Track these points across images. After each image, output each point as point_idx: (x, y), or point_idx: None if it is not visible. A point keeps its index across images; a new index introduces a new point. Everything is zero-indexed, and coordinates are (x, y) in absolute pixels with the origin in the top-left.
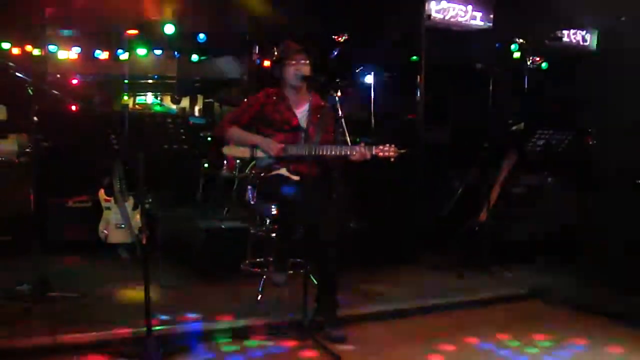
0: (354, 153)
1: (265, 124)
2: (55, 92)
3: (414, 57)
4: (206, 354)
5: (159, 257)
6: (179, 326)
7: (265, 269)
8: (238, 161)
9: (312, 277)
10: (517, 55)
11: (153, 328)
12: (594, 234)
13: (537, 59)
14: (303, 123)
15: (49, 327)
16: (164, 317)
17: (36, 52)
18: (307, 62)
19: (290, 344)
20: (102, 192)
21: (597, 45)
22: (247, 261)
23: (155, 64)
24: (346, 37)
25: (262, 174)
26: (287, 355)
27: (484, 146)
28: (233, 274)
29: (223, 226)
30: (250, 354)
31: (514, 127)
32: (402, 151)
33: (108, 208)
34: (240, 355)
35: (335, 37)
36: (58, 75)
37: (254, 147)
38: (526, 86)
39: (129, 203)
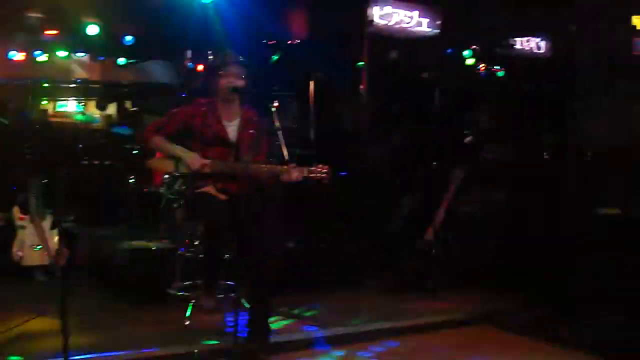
0: (284, 175)
1: (194, 137)
2: None
3: (360, 63)
4: None
5: (79, 281)
6: (100, 357)
7: (194, 293)
8: (166, 176)
9: (243, 300)
10: (470, 62)
11: (70, 357)
12: (546, 255)
13: (495, 67)
14: (233, 138)
15: None
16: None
17: None
18: (242, 73)
19: None
20: (16, 209)
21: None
22: (174, 284)
23: (78, 67)
24: (289, 42)
25: (188, 190)
26: None
27: (431, 162)
28: (160, 298)
29: (149, 246)
30: None
31: (465, 140)
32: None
33: (22, 227)
34: None
35: (276, 42)
36: None
37: (178, 160)
38: (478, 95)
39: (47, 222)
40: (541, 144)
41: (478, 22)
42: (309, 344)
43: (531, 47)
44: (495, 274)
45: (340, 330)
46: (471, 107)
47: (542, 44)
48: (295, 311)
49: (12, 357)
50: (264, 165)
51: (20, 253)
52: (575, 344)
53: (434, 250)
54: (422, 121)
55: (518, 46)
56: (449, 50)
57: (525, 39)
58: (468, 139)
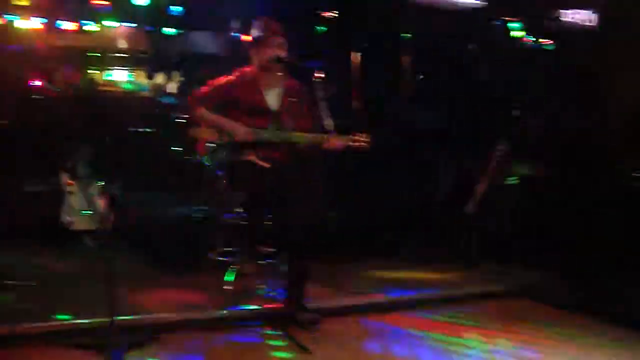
0: (326, 143)
1: (235, 106)
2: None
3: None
4: (173, 345)
5: (125, 245)
6: (145, 317)
7: (235, 259)
8: (211, 145)
9: (282, 266)
10: (518, 34)
11: (117, 318)
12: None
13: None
14: (275, 107)
15: (5, 316)
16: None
17: None
18: (284, 43)
19: (260, 335)
20: (64, 175)
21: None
22: (216, 250)
23: (126, 37)
24: (334, 15)
25: (231, 159)
26: (256, 346)
27: (475, 134)
28: (202, 264)
29: (192, 213)
30: (218, 345)
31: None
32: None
33: (71, 193)
34: (207, 347)
35: (322, 14)
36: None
37: (221, 130)
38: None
39: (94, 187)
40: (585, 117)
41: None
42: (345, 311)
43: (581, 19)
44: (535, 248)
45: (377, 299)
46: (517, 81)
47: (593, 16)
48: (333, 278)
49: (61, 316)
50: (306, 134)
51: (69, 218)
52: (616, 320)
53: (474, 223)
54: (467, 94)
55: (568, 18)
56: (496, 22)
57: (575, 10)
58: (514, 112)
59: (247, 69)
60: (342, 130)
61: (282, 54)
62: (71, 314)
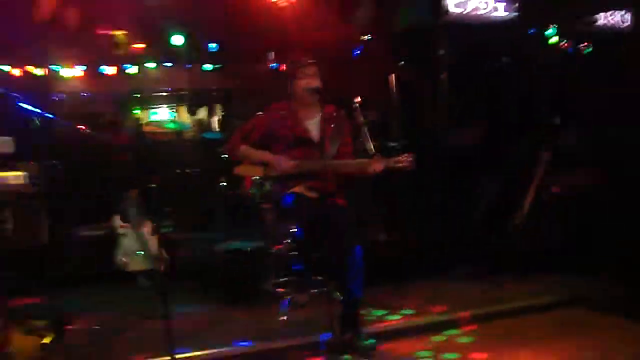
0: (369, 167)
1: (276, 140)
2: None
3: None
4: None
5: (179, 283)
6: (203, 353)
7: (288, 289)
8: (256, 178)
9: (335, 294)
10: (554, 40)
11: (176, 357)
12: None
13: (581, 44)
14: (315, 136)
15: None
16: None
17: (38, 72)
18: (317, 73)
19: None
20: (117, 218)
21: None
22: (269, 282)
23: (166, 76)
24: (369, 37)
25: (279, 192)
26: None
27: (516, 147)
28: (255, 296)
29: (244, 247)
30: None
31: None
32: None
33: (124, 235)
34: None
35: (358, 37)
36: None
37: (266, 165)
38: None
39: (147, 228)
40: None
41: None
42: (401, 333)
43: (616, 21)
44: (584, 257)
45: (431, 318)
46: (557, 89)
47: (627, 16)
48: (386, 301)
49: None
50: (348, 160)
51: (124, 259)
52: None
53: (523, 234)
54: (506, 106)
55: (602, 21)
56: (530, 31)
57: (609, 12)
58: (555, 120)
59: (283, 103)
60: (387, 152)
61: (316, 84)
62: (133, 356)
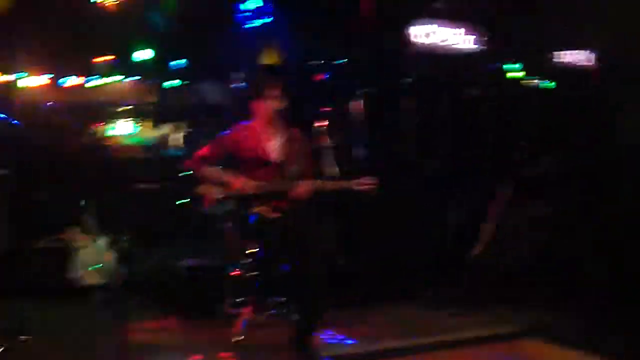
0: (328, 185)
1: (239, 160)
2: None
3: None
4: None
5: (135, 298)
6: None
7: (245, 309)
8: (217, 197)
9: (293, 315)
10: (519, 75)
11: None
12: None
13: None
14: (277, 157)
15: None
16: None
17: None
18: (282, 94)
19: None
20: (75, 230)
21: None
22: (227, 301)
23: (130, 91)
24: (341, 62)
25: (240, 212)
26: None
27: (479, 176)
28: (212, 315)
29: (202, 265)
30: None
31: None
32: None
33: (82, 247)
34: None
35: (324, 61)
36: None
37: (225, 185)
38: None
39: (103, 242)
40: (589, 155)
41: (525, 36)
42: (360, 358)
43: (580, 60)
44: (545, 287)
45: (390, 343)
46: (519, 121)
47: (592, 56)
48: (345, 324)
49: None
50: (309, 181)
51: (79, 272)
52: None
53: (482, 264)
54: (469, 135)
55: (567, 59)
56: (496, 64)
57: (574, 51)
58: (518, 151)
59: (248, 123)
60: (348, 175)
61: (280, 104)
62: None
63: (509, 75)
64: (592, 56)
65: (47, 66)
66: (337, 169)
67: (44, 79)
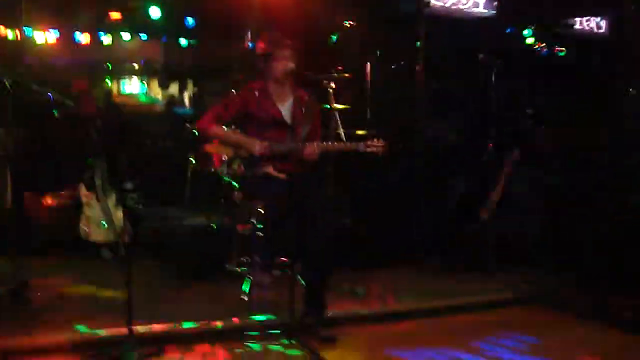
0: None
1: (250, 121)
2: (35, 86)
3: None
4: (189, 355)
5: (142, 256)
6: (161, 326)
7: (251, 269)
8: (225, 157)
9: (299, 277)
10: (530, 41)
11: (134, 329)
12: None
13: (556, 46)
14: (288, 118)
15: (26, 327)
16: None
17: (10, 34)
18: (293, 55)
19: (277, 346)
20: (82, 187)
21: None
22: (232, 261)
23: (141, 49)
24: (349, 23)
25: (248, 173)
26: (273, 358)
27: (487, 143)
28: (218, 274)
29: (209, 224)
30: (235, 356)
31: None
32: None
33: (89, 204)
34: (222, 358)
35: (336, 22)
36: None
37: (237, 146)
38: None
39: (111, 200)
40: (596, 126)
41: (536, 1)
42: (364, 320)
43: (591, 27)
44: (549, 254)
45: (394, 307)
46: (529, 89)
47: (603, 23)
48: (351, 288)
49: (78, 326)
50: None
51: (86, 229)
52: (626, 325)
53: (488, 230)
54: (479, 102)
55: (578, 26)
56: (508, 30)
57: (585, 18)
58: (524, 120)
59: (258, 83)
60: (357, 137)
61: (292, 66)
62: (90, 326)
63: (521, 40)
64: (603, 24)
65: (56, 23)
66: (342, 132)
67: (54, 36)
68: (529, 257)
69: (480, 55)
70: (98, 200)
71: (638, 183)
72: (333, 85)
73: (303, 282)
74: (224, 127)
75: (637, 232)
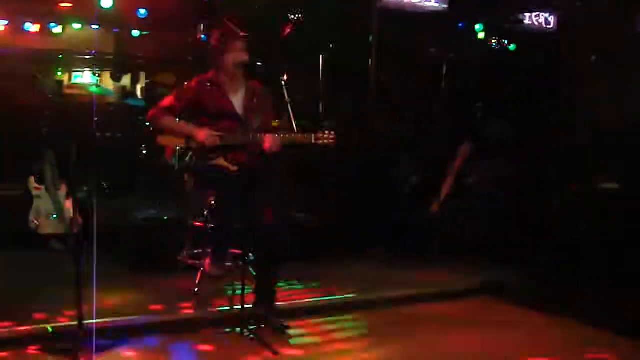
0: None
1: (201, 112)
2: None
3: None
4: (139, 348)
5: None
6: (111, 320)
7: (203, 261)
8: (178, 148)
9: (251, 269)
10: (481, 36)
11: (85, 321)
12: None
13: (505, 41)
14: (239, 110)
15: None
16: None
17: None
18: (246, 47)
19: (228, 337)
20: (31, 179)
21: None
22: (184, 253)
23: (92, 39)
24: (300, 17)
25: (199, 164)
26: (224, 349)
27: (439, 136)
28: (170, 266)
29: (161, 216)
30: (184, 349)
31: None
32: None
33: (38, 197)
34: (174, 350)
35: (288, 16)
36: None
37: (188, 137)
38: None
39: (62, 191)
40: (547, 118)
41: None
42: (312, 311)
43: (540, 22)
44: (500, 246)
45: (342, 298)
46: (481, 83)
47: (551, 18)
48: (300, 279)
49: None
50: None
51: (36, 222)
52: (576, 317)
53: (437, 222)
54: (432, 96)
55: (527, 21)
56: (460, 25)
57: (535, 13)
58: (477, 113)
59: (210, 74)
60: (308, 129)
61: (245, 58)
62: (40, 318)
63: (472, 35)
64: (552, 19)
65: (5, 11)
66: (294, 124)
67: (2, 24)
68: (477, 249)
69: (432, 49)
70: (48, 191)
71: (583, 172)
72: (286, 77)
73: (254, 273)
74: (175, 118)
75: (582, 220)
